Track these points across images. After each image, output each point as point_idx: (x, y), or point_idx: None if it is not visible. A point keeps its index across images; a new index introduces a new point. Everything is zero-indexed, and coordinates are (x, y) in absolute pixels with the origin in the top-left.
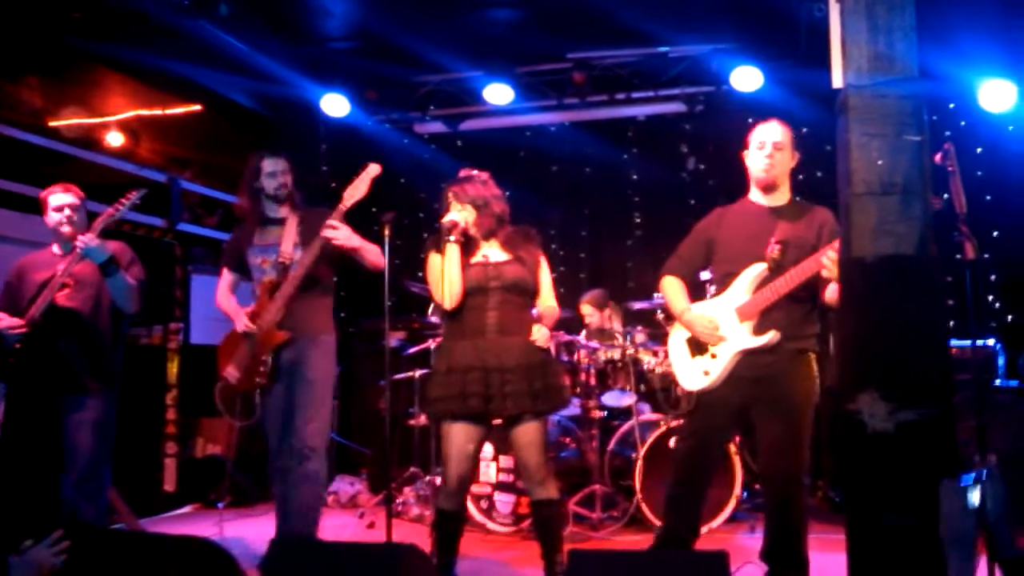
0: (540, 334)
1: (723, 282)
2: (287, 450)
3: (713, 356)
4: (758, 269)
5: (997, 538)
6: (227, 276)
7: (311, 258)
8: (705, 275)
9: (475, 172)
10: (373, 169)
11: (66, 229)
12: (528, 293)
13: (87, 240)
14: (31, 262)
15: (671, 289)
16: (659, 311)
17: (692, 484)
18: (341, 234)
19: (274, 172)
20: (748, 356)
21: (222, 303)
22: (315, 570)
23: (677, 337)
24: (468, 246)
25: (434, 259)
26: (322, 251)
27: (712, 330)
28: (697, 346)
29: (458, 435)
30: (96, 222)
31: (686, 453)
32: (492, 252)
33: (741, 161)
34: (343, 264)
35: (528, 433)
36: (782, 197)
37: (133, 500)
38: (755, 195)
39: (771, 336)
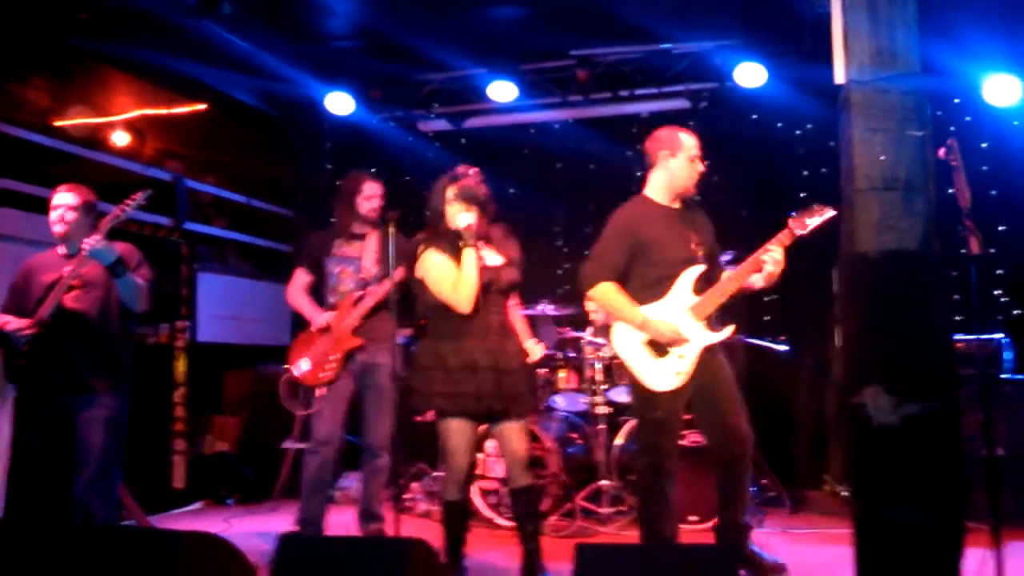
0: (538, 350)
1: (659, 284)
2: (364, 446)
3: (680, 356)
4: (697, 271)
5: None
6: (303, 276)
7: (393, 284)
8: None
9: (471, 169)
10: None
11: (58, 228)
12: (518, 293)
13: (93, 242)
14: (37, 264)
15: (614, 296)
16: (592, 317)
17: (672, 475)
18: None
19: (371, 196)
20: (706, 351)
21: (295, 301)
22: (324, 565)
23: (630, 339)
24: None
25: (436, 258)
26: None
27: (675, 333)
28: (657, 347)
29: (460, 429)
30: (102, 223)
31: (666, 445)
32: (487, 255)
33: (746, 158)
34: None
35: (518, 428)
36: (679, 200)
37: (142, 497)
38: (660, 197)
39: (730, 329)
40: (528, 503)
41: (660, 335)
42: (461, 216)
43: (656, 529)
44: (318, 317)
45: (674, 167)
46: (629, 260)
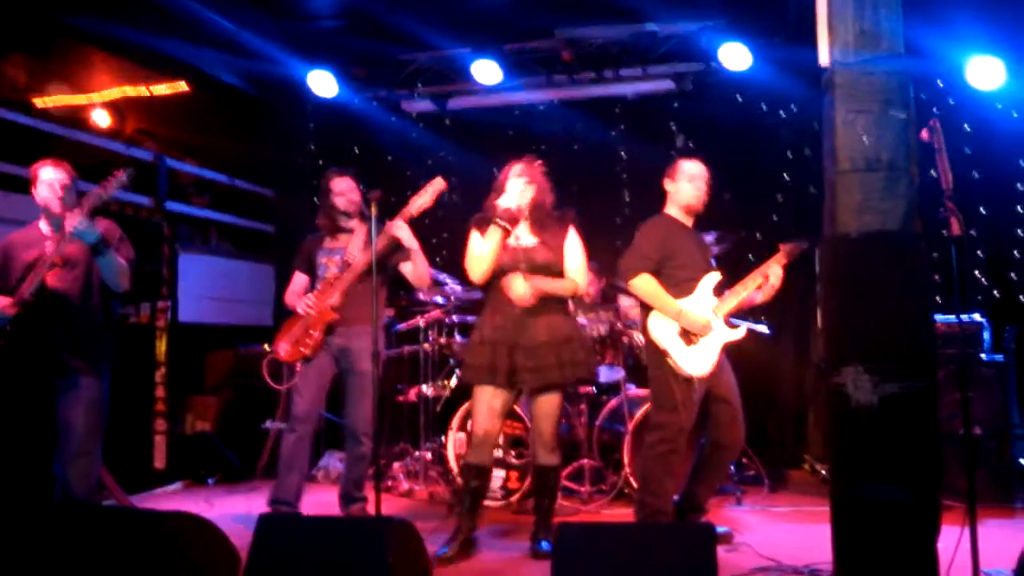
0: (515, 283)
1: (685, 284)
2: (347, 433)
3: (707, 346)
4: (716, 277)
5: None
6: (299, 278)
7: (374, 253)
8: None
9: (536, 161)
10: (439, 183)
11: (56, 206)
12: (554, 274)
13: (76, 221)
14: (17, 241)
15: (655, 285)
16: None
17: (681, 453)
18: (404, 233)
19: (342, 191)
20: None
21: (290, 301)
22: (304, 545)
23: (667, 328)
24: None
25: (473, 235)
26: (385, 249)
27: (708, 325)
28: (687, 337)
29: (484, 395)
30: (84, 202)
31: (684, 423)
32: (523, 236)
33: (731, 139)
34: (390, 272)
35: (547, 404)
36: (692, 218)
37: (123, 477)
38: (678, 215)
39: (744, 327)
40: (547, 481)
41: (694, 326)
42: (501, 199)
43: (657, 506)
44: (301, 301)
45: (679, 191)
46: (662, 259)
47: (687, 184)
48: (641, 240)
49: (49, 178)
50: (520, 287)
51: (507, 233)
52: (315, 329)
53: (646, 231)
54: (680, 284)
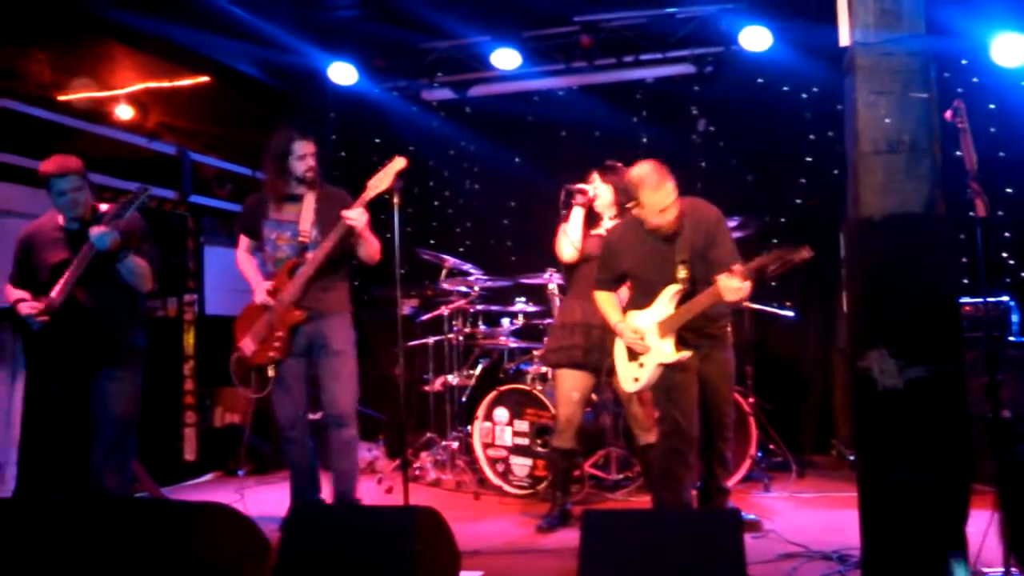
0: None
1: (646, 295)
2: (327, 420)
3: (640, 365)
4: (675, 289)
5: None
6: (245, 241)
7: (332, 243)
8: None
9: (619, 164)
10: (398, 162)
11: (72, 213)
12: None
13: (99, 232)
14: (37, 237)
15: (604, 302)
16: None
17: (692, 444)
18: (361, 221)
19: (304, 155)
20: (686, 330)
21: (243, 267)
22: (333, 533)
23: (620, 341)
24: (591, 220)
25: (564, 224)
26: (342, 237)
27: (638, 341)
28: (632, 352)
29: (565, 380)
30: (106, 215)
31: (683, 417)
32: (605, 225)
33: (752, 123)
34: (348, 251)
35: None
36: (671, 215)
37: (154, 469)
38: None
39: (686, 354)
40: (648, 460)
41: (627, 339)
42: (592, 185)
43: (675, 502)
44: (259, 289)
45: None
46: (618, 279)
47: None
48: (601, 260)
49: (60, 188)
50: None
51: (586, 211)
52: (280, 330)
53: (601, 252)
54: (641, 295)
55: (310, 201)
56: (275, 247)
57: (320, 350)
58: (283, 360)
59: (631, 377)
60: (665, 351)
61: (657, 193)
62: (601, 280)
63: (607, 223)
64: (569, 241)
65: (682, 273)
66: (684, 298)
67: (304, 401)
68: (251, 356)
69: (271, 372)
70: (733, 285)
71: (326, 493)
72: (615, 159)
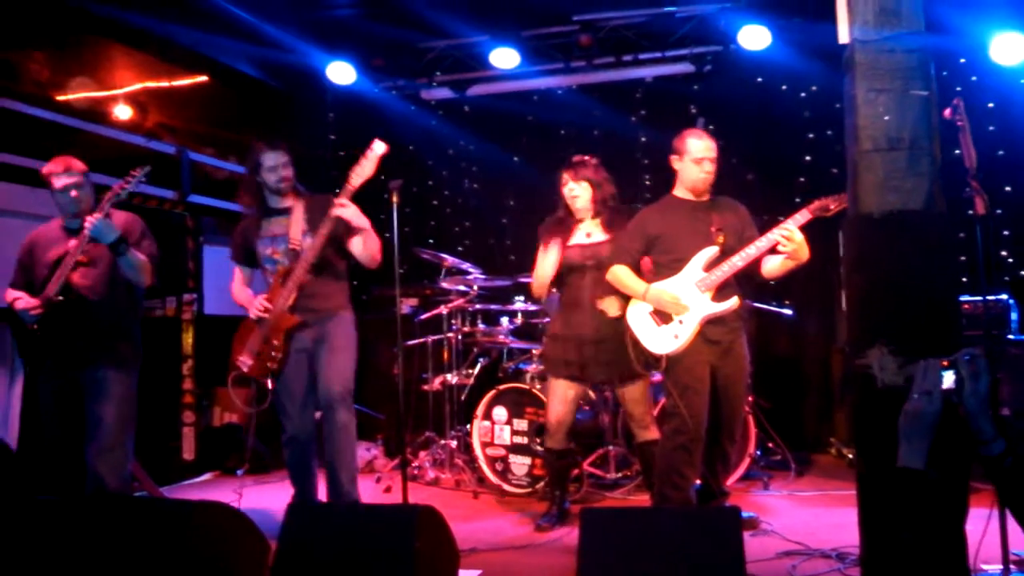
0: (607, 304)
1: (672, 266)
2: (323, 405)
3: (681, 323)
4: (711, 252)
5: (976, 429)
6: (240, 274)
7: (321, 240)
8: None
9: (587, 157)
10: (379, 147)
11: (74, 210)
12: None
13: (94, 221)
14: (41, 238)
15: (622, 274)
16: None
17: (699, 440)
18: (350, 211)
19: (274, 166)
20: (709, 323)
21: (238, 295)
22: (332, 532)
23: (639, 311)
24: (569, 224)
25: (541, 253)
26: (331, 233)
27: (675, 299)
28: (662, 316)
29: (557, 387)
30: (102, 202)
31: (693, 411)
32: (594, 231)
33: (751, 121)
34: (343, 249)
35: (631, 392)
36: (707, 194)
37: (153, 469)
38: (685, 194)
39: (733, 302)
40: (649, 454)
41: (661, 303)
42: (567, 188)
43: (678, 498)
44: (253, 305)
45: (684, 170)
46: (644, 249)
47: (692, 167)
48: (622, 234)
49: (62, 183)
50: (610, 306)
51: (563, 242)
52: (275, 338)
53: (631, 223)
54: (667, 267)
55: (298, 211)
56: (272, 261)
57: (321, 347)
58: (281, 371)
59: (670, 335)
60: (710, 303)
61: (701, 141)
62: (623, 248)
63: (593, 230)
64: (535, 278)
65: (720, 239)
66: (715, 263)
67: (308, 405)
68: (249, 371)
69: (270, 384)
70: (787, 233)
71: (321, 490)
72: (614, 158)
